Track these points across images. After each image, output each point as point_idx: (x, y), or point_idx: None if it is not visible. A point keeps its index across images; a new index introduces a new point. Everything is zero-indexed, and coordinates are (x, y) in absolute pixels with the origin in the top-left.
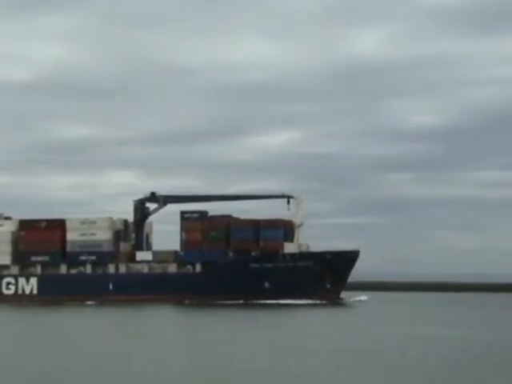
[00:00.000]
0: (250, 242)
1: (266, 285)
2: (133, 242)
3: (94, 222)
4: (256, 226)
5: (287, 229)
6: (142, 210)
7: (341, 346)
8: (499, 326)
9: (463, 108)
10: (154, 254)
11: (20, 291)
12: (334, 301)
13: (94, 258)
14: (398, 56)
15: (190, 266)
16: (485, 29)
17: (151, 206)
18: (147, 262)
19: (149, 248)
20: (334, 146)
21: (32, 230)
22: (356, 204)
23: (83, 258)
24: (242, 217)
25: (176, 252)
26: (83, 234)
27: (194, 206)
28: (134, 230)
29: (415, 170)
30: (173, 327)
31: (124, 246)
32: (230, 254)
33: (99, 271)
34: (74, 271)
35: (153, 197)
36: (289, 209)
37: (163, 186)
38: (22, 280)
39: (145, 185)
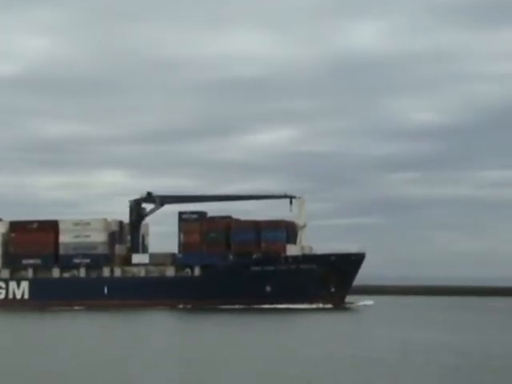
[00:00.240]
0: (251, 244)
1: (268, 289)
2: (128, 245)
3: (88, 224)
4: (257, 227)
5: (290, 230)
6: (137, 211)
7: (342, 352)
8: (504, 332)
9: (464, 105)
10: (151, 256)
11: (11, 296)
12: (339, 305)
13: (88, 260)
14: (396, 50)
15: (188, 270)
16: (485, 21)
17: (147, 206)
18: (144, 265)
19: (145, 250)
20: (332, 144)
21: (23, 231)
22: (355, 204)
23: (77, 260)
24: (243, 218)
25: (174, 255)
26: (77, 236)
27: (192, 207)
28: (130, 232)
29: (416, 169)
30: (169, 333)
31: (119, 249)
32: (231, 257)
33: (93, 275)
34: (67, 275)
35: (149, 197)
36: (291, 209)
37: (156, 186)
38: (12, 284)
39: (136, 185)
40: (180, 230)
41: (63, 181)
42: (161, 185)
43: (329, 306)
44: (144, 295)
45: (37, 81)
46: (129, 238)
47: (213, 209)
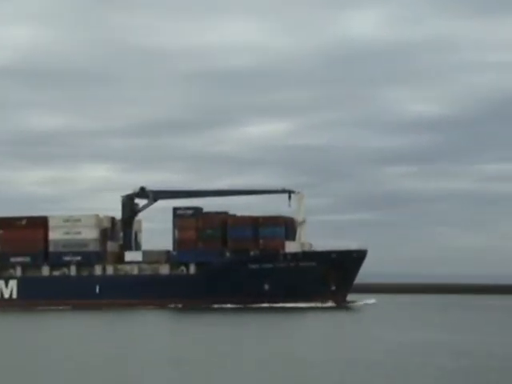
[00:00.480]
0: (249, 241)
1: (266, 287)
2: (121, 242)
3: (78, 220)
4: (255, 223)
5: (288, 226)
6: (130, 207)
7: (338, 354)
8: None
9: (464, 95)
10: (145, 254)
11: None
12: (340, 304)
13: (78, 258)
14: (395, 39)
15: (183, 267)
16: (485, 10)
17: (140, 202)
18: (137, 262)
19: (138, 248)
20: (328, 137)
21: (11, 228)
22: (351, 200)
23: (67, 258)
24: (239, 213)
25: (168, 252)
26: (67, 233)
27: (186, 202)
28: (122, 228)
29: (414, 162)
30: (162, 334)
31: (111, 246)
32: (227, 254)
33: (85, 273)
34: (57, 273)
35: (142, 192)
36: (290, 205)
37: (147, 181)
38: (0, 283)
39: (126, 179)
40: (175, 226)
41: (50, 175)
42: (152, 179)
43: (329, 304)
44: (137, 294)
45: (24, 71)
46: (121, 234)
47: (206, 204)
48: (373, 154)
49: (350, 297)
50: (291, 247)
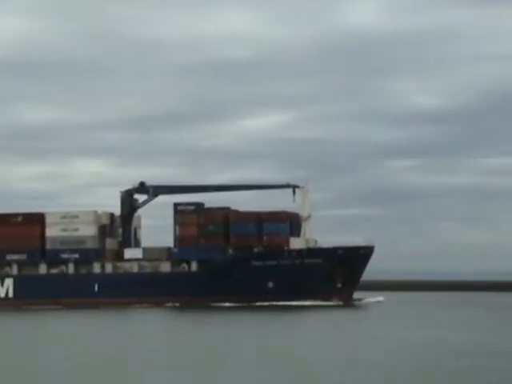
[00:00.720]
0: (252, 237)
1: (270, 285)
2: (120, 239)
3: (76, 216)
4: (258, 219)
5: (293, 222)
6: (129, 202)
7: (340, 354)
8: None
9: (467, 87)
10: (145, 251)
11: None
12: (346, 302)
13: (76, 256)
14: (396, 29)
15: (185, 265)
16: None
17: (140, 197)
18: (137, 260)
19: (137, 245)
20: (327, 129)
21: (7, 225)
22: (352, 194)
23: (65, 256)
24: (241, 209)
25: (169, 249)
26: (64, 230)
27: (186, 198)
28: (121, 225)
29: (417, 156)
30: (162, 332)
31: (110, 243)
32: (230, 251)
33: (83, 271)
34: (54, 271)
35: (142, 187)
36: (294, 200)
37: (140, 176)
38: None
39: (120, 174)
40: (175, 222)
41: (43, 170)
42: (147, 174)
43: (335, 302)
44: (137, 292)
45: (14, 63)
46: (120, 231)
47: (207, 199)
48: (374, 147)
49: (356, 294)
50: (296, 244)
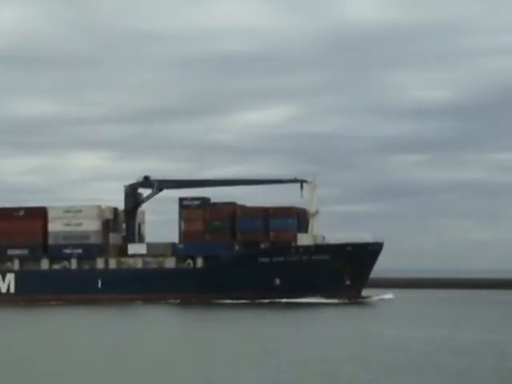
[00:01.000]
0: (259, 233)
1: (277, 281)
2: (123, 234)
3: (79, 211)
4: (265, 214)
5: (301, 218)
6: (134, 197)
7: (342, 353)
8: None
9: (475, 81)
10: (149, 246)
11: None
12: (355, 299)
13: (79, 251)
14: (402, 22)
15: (190, 261)
16: None
17: (144, 192)
18: (141, 255)
19: (141, 240)
20: (332, 124)
21: (8, 219)
22: (357, 190)
23: (67, 251)
24: (247, 204)
25: (174, 244)
26: (67, 224)
27: (191, 192)
28: (125, 220)
29: (424, 151)
30: (166, 329)
31: (114, 238)
32: (236, 247)
33: (86, 266)
34: (57, 266)
35: (146, 181)
36: (302, 195)
37: (140, 170)
38: None
39: (118, 168)
40: (181, 217)
41: (37, 164)
42: (147, 168)
43: (343, 300)
44: (141, 289)
45: (5, 55)
46: (124, 226)
47: (212, 194)
48: (379, 141)
49: (364, 292)
50: (304, 240)
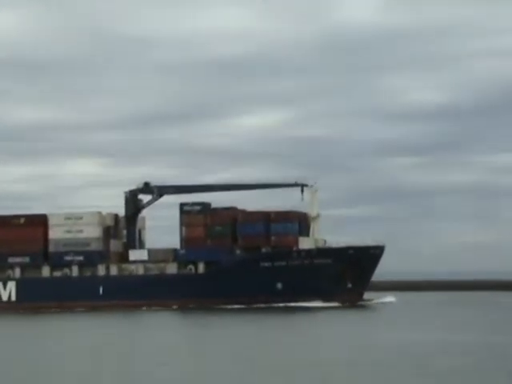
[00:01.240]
0: (260, 238)
1: (279, 286)
2: (124, 240)
3: (80, 218)
4: (266, 219)
5: (302, 222)
6: (134, 203)
7: (340, 357)
8: None
9: (476, 82)
10: (150, 252)
11: None
12: (356, 303)
13: (80, 258)
14: (395, 25)
15: (191, 266)
16: None
17: (144, 198)
18: (142, 261)
19: (142, 246)
20: (326, 127)
21: (8, 227)
22: (353, 193)
23: (68, 258)
24: (248, 208)
25: (175, 250)
26: (68, 232)
27: (191, 198)
28: (126, 226)
29: (420, 153)
30: (168, 335)
31: (115, 245)
32: (238, 252)
33: (87, 273)
34: (58, 274)
35: (146, 187)
36: (303, 199)
37: (138, 176)
38: None
39: (111, 175)
40: (182, 223)
41: (35, 172)
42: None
43: (345, 303)
44: (143, 295)
45: (4, 62)
46: (125, 232)
47: (212, 199)
48: (375, 144)
49: (366, 295)
50: (305, 244)
